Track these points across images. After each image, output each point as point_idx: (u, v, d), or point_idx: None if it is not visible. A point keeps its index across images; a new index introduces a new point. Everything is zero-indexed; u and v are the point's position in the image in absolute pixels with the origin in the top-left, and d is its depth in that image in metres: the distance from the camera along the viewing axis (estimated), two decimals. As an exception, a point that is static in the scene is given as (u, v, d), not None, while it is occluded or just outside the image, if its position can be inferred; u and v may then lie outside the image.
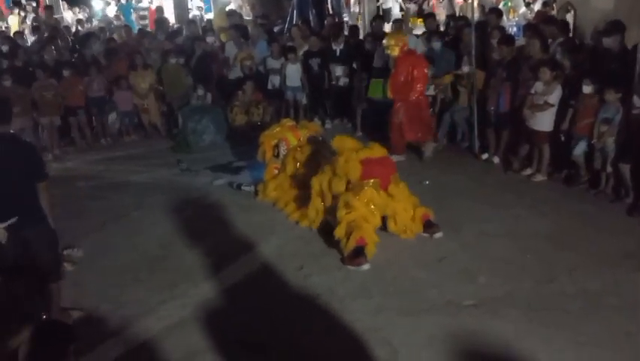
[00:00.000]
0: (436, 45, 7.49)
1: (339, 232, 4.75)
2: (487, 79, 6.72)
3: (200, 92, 8.64)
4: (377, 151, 5.20)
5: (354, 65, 8.35)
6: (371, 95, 7.95)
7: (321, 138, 6.48)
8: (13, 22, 13.51)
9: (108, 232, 5.57)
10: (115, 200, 6.43)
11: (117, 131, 8.91)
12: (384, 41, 7.25)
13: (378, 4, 13.07)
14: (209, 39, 9.46)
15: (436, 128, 7.42)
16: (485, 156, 6.96)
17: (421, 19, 12.37)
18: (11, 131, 3.97)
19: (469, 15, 7.79)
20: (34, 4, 16.59)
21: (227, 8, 12.60)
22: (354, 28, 9.89)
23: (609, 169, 5.53)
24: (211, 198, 6.31)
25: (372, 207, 4.84)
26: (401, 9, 13.84)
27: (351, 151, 5.11)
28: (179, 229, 5.53)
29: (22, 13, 15.23)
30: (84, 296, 4.31)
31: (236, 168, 7.16)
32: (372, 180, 4.91)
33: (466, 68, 7.01)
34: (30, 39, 11.35)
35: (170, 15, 13.45)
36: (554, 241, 4.86)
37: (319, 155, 5.79)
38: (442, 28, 9.08)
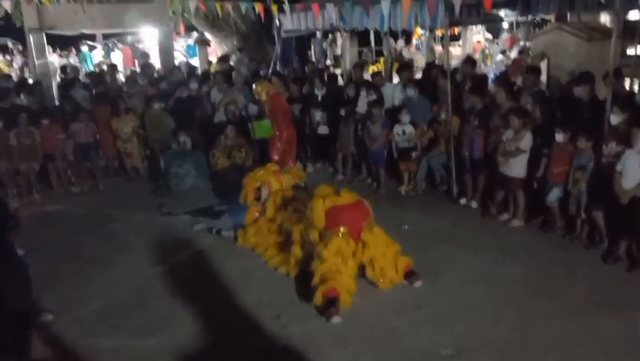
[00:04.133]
0: (412, 92, 7.68)
1: (314, 282, 4.75)
2: (462, 125, 6.89)
3: (182, 137, 8.71)
4: (345, 198, 5.17)
5: (342, 112, 8.45)
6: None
7: (303, 184, 6.56)
8: (1, 67, 13.61)
9: (85, 278, 5.50)
10: (93, 245, 6.38)
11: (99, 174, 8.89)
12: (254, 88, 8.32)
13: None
14: (193, 85, 9.58)
15: (415, 172, 7.59)
16: (463, 200, 7.07)
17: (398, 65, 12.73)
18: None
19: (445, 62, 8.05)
20: (20, 47, 16.80)
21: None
22: (333, 76, 10.12)
23: (583, 215, 5.63)
24: (191, 243, 6.28)
25: (344, 256, 4.83)
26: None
27: (318, 199, 5.12)
28: (157, 274, 5.49)
29: (9, 57, 15.38)
30: (57, 345, 4.22)
31: (216, 213, 7.14)
32: (340, 229, 4.92)
33: (442, 115, 7.21)
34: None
35: (155, 60, 13.66)
36: (530, 287, 4.91)
37: (299, 201, 5.83)
38: (420, 75, 9.34)
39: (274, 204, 6.09)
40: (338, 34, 15.50)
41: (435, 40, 16.50)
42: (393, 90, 8.22)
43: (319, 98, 8.88)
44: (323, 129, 8.64)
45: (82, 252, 6.18)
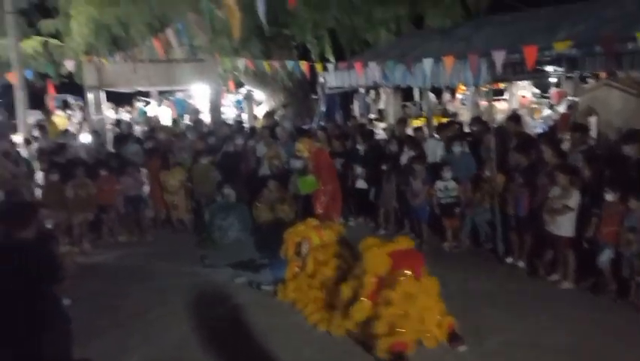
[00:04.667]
0: (456, 149, 7.65)
1: (380, 328, 4.64)
2: (507, 183, 6.77)
3: (227, 190, 8.91)
4: (403, 243, 5.23)
5: (384, 167, 8.45)
6: None
7: (344, 239, 6.53)
8: (60, 122, 14.43)
9: (126, 330, 5.58)
10: (136, 297, 6.49)
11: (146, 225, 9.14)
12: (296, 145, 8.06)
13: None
14: (239, 139, 9.87)
15: (458, 229, 7.46)
16: (510, 260, 6.86)
17: (444, 119, 12.75)
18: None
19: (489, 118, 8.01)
20: (82, 103, 17.79)
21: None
22: (372, 131, 10.20)
23: (637, 279, 5.35)
24: (231, 296, 6.31)
25: (413, 298, 4.74)
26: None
27: (374, 247, 5.13)
28: (196, 328, 5.51)
29: (69, 112, 16.31)
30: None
31: (257, 266, 7.17)
32: (405, 271, 4.85)
33: (487, 172, 7.12)
34: (76, 137, 12.03)
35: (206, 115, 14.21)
36: (579, 354, 4.65)
37: (341, 257, 5.80)
38: (465, 129, 9.31)
39: (315, 260, 6.07)
40: (381, 89, 15.76)
41: (480, 95, 16.47)
42: (435, 146, 8.21)
43: (361, 153, 8.96)
44: (361, 183, 8.67)
45: (126, 303, 6.30)
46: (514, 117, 8.37)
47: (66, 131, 12.33)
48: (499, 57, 6.76)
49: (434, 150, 8.14)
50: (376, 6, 13.14)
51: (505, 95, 15.77)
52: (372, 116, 16.08)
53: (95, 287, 6.77)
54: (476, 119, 8.98)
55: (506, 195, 6.75)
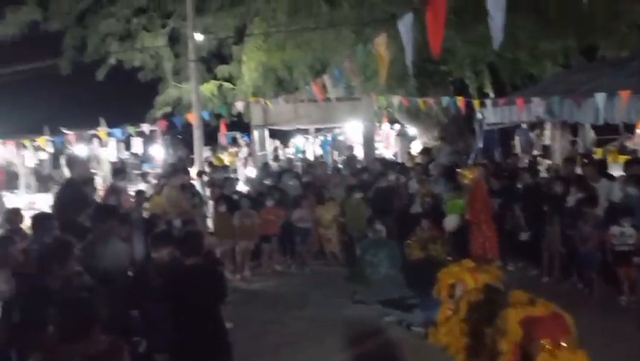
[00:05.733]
0: (634, 191, 6.83)
1: None
2: None
3: (378, 226, 8.95)
4: (540, 309, 4.66)
5: (546, 208, 7.87)
6: None
7: (500, 286, 6.12)
8: (230, 160, 15.84)
9: (277, 357, 5.79)
10: (290, 325, 6.72)
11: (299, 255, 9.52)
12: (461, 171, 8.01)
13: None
14: (392, 175, 9.92)
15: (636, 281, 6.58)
16: None
17: (623, 156, 11.52)
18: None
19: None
20: (248, 140, 19.36)
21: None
22: (533, 169, 9.53)
23: None
24: (380, 334, 6.26)
25: None
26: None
27: (511, 308, 4.72)
28: (344, 363, 5.54)
29: (237, 149, 17.84)
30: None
31: (408, 305, 7.05)
32: (543, 342, 4.38)
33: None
34: (242, 171, 13.11)
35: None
36: None
37: (495, 305, 5.44)
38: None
39: (468, 305, 5.77)
40: (547, 124, 14.78)
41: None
42: (610, 187, 7.42)
43: (521, 192, 8.42)
44: (524, 236, 8.12)
45: (279, 330, 6.56)
46: None
47: (225, 167, 13.38)
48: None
49: (607, 191, 7.36)
50: (542, 38, 12.45)
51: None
52: (535, 152, 15.11)
53: (252, 313, 7.17)
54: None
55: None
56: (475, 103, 10.66)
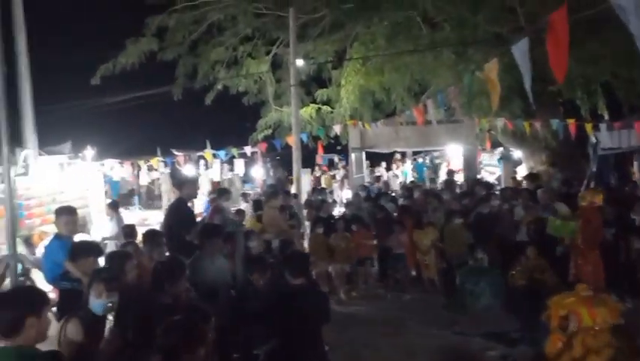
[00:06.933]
0: None
1: None
2: None
3: (479, 254, 8.58)
4: None
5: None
6: None
7: (621, 326, 5.56)
8: (326, 182, 16.06)
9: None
10: (385, 352, 6.58)
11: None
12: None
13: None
14: (494, 201, 9.49)
15: None
16: None
17: None
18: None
19: None
20: (344, 162, 19.54)
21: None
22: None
23: None
24: (482, 370, 5.94)
25: None
26: None
27: None
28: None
29: (333, 172, 18.06)
30: None
31: (512, 340, 6.65)
32: None
33: None
34: (338, 193, 13.22)
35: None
36: None
37: (617, 350, 4.94)
38: None
39: (583, 344, 5.28)
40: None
41: None
42: None
43: (637, 223, 7.72)
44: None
45: (373, 356, 6.44)
46: None
47: (323, 190, 13.52)
48: None
49: None
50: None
51: None
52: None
53: (347, 336, 7.07)
54: None
55: None
56: (588, 126, 9.96)
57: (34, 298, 2.96)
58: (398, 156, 18.92)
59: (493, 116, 12.41)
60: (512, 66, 8.09)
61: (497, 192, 10.66)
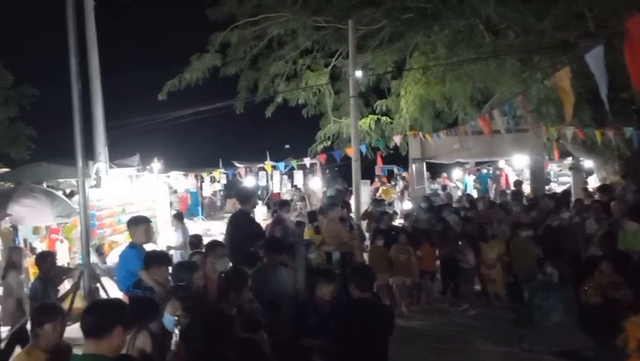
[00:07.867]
0: None
1: None
2: None
3: (549, 268, 8.21)
4: None
5: None
6: None
7: None
8: (385, 193, 15.92)
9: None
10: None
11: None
12: None
13: None
14: (564, 213, 9.08)
15: None
16: None
17: None
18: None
19: None
20: (405, 174, 19.33)
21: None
22: None
23: None
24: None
25: None
26: None
27: None
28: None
29: (393, 182, 17.87)
30: None
31: (584, 358, 6.32)
32: None
33: None
34: (398, 205, 13.06)
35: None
36: None
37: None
38: None
39: (664, 369, 4.94)
40: None
41: None
42: None
43: None
44: None
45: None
46: None
47: (381, 201, 13.36)
48: None
49: None
50: None
51: None
52: None
53: (410, 351, 6.93)
54: None
55: None
56: (668, 134, 9.40)
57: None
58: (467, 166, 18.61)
59: (564, 124, 11.91)
60: (581, 73, 7.76)
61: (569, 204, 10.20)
